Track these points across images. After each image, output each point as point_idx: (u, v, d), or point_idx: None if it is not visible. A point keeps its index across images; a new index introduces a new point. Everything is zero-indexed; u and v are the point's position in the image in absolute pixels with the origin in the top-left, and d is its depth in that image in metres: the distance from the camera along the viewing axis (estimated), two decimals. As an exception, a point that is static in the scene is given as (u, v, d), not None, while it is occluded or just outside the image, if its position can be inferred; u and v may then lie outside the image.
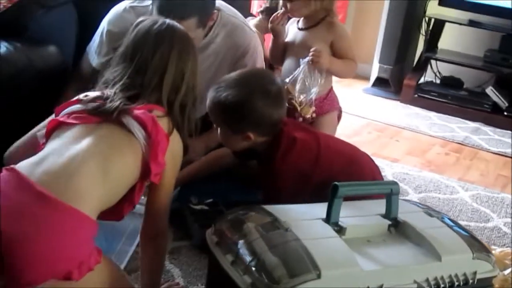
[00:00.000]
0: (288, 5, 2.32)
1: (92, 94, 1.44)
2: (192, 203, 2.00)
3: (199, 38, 2.08)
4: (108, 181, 1.31)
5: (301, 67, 2.22)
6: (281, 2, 2.41)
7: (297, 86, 2.21)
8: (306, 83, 2.21)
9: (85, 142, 1.32)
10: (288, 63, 2.40)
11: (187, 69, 1.50)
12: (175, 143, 1.47)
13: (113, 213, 1.38)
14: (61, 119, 1.39)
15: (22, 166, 1.27)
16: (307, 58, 2.21)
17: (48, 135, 1.38)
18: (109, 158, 1.33)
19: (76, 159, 1.28)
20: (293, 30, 2.44)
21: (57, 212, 1.19)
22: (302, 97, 2.23)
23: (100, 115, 1.37)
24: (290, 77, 2.25)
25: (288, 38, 2.45)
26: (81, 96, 1.44)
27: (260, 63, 2.28)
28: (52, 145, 1.33)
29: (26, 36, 2.18)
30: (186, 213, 1.95)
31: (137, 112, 1.39)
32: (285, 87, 2.22)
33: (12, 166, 1.27)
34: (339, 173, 1.81)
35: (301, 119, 2.29)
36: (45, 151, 1.32)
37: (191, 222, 1.91)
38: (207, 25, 2.07)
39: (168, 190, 1.50)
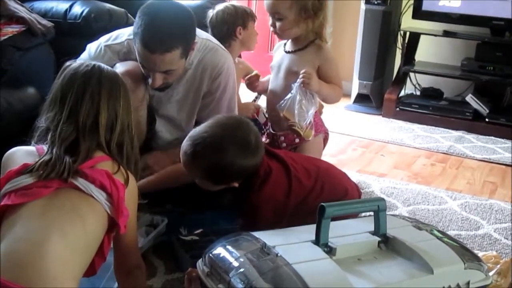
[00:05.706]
0: (277, 25, 2.26)
1: (32, 162, 1.37)
2: (181, 235, 1.99)
3: (181, 69, 2.09)
4: (77, 253, 1.29)
5: (294, 91, 2.18)
6: (270, 21, 2.30)
7: (296, 111, 2.17)
8: (303, 107, 2.19)
9: (43, 222, 1.27)
10: (274, 87, 2.36)
11: (119, 108, 1.48)
12: (130, 184, 1.45)
13: (86, 270, 1.35)
14: (10, 202, 1.30)
15: None
16: (299, 81, 2.17)
17: None
18: (72, 231, 1.29)
19: (40, 243, 1.23)
20: (279, 53, 2.39)
21: None
22: (303, 122, 2.19)
23: (53, 183, 1.32)
24: (282, 103, 2.21)
25: (274, 62, 2.41)
26: (22, 167, 1.36)
27: (232, 84, 2.28)
28: (10, 231, 1.26)
29: (4, 79, 2.18)
30: (176, 245, 1.94)
31: (89, 172, 1.36)
32: (282, 114, 2.21)
33: None
34: (311, 194, 1.86)
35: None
36: (6, 241, 1.24)
37: (182, 254, 1.89)
38: (189, 56, 2.09)
39: (133, 225, 1.49)
